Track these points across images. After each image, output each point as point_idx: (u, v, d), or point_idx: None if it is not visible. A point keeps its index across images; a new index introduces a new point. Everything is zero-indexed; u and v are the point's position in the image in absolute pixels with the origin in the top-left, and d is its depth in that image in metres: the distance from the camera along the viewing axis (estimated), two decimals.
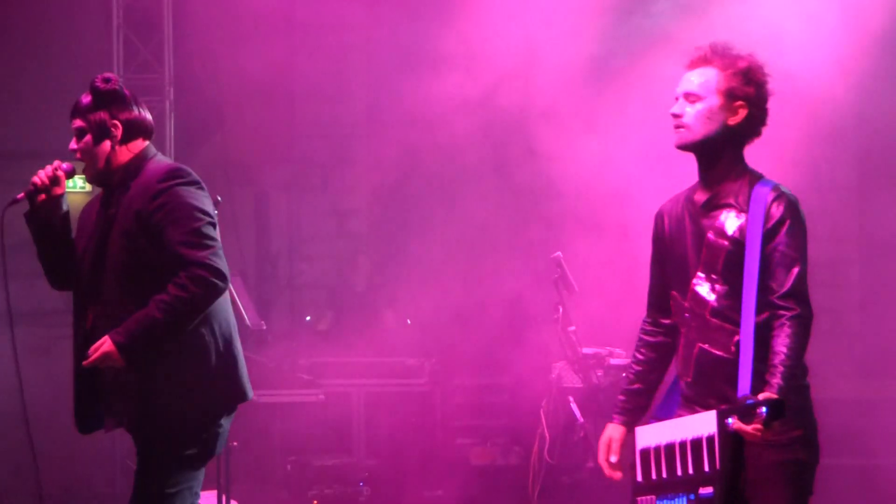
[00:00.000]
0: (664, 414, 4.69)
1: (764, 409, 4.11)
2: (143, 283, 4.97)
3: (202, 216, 4.98)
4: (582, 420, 8.43)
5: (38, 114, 10.56)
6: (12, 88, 10.98)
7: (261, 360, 9.57)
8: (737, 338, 4.41)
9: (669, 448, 4.44)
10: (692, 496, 4.31)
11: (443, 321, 10.95)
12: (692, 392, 4.59)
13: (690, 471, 4.33)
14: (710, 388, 4.51)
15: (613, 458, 4.82)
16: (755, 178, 4.57)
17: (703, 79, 4.56)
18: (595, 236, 10.18)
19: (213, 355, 5.08)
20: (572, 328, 8.41)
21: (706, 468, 4.26)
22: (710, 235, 4.53)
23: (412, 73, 10.74)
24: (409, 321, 11.37)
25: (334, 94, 12.12)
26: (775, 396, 4.18)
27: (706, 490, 4.26)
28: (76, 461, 10.01)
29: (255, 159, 12.02)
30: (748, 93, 4.53)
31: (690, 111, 4.56)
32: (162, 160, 5.21)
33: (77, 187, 5.33)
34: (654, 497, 4.49)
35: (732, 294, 4.45)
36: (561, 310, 8.36)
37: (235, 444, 7.56)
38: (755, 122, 4.59)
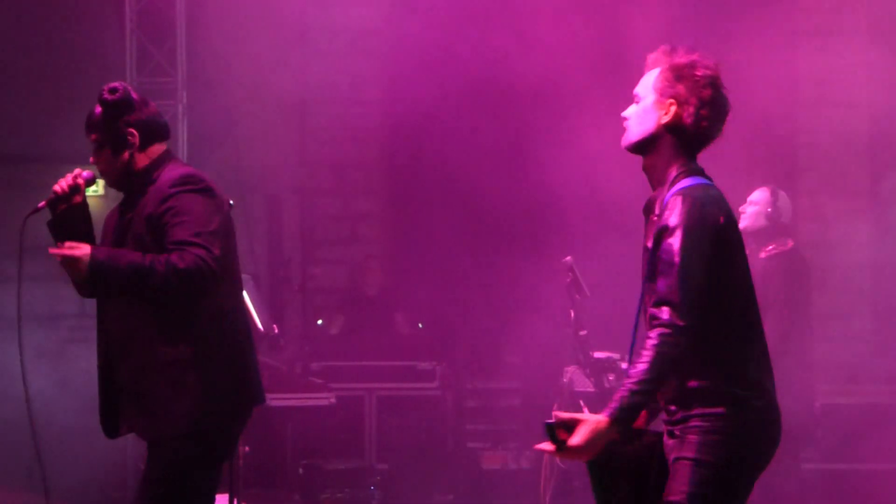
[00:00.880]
0: None
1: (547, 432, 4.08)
2: None
3: (208, 223, 4.98)
4: None
5: (53, 117, 10.58)
6: (27, 92, 11.01)
7: (273, 363, 9.58)
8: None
9: None
10: None
11: (454, 325, 10.97)
12: None
13: None
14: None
15: None
16: (679, 176, 4.34)
17: (646, 80, 4.42)
18: (609, 239, 10.19)
19: (225, 359, 5.10)
20: (584, 332, 8.41)
21: None
22: (645, 243, 4.40)
23: (426, 78, 10.75)
24: (420, 325, 11.38)
25: (347, 98, 12.13)
26: (556, 420, 4.09)
27: None
28: (87, 465, 10.02)
29: (267, 163, 12.02)
30: (677, 90, 4.31)
31: (632, 111, 4.44)
32: (178, 165, 5.22)
33: (90, 191, 5.30)
34: None
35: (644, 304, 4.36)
36: (573, 314, 8.36)
37: (247, 448, 7.58)
38: (691, 122, 4.32)
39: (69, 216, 5.16)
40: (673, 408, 4.30)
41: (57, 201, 5.15)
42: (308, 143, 12.20)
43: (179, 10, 10.43)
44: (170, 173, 5.11)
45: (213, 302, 5.07)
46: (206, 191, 5.06)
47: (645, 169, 4.44)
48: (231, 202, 5.25)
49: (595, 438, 4.06)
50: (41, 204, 5.14)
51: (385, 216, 12.39)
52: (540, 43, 10.67)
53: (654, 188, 4.43)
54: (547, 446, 4.13)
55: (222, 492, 6.94)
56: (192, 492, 5.10)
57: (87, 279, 4.88)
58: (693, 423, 4.21)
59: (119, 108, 5.15)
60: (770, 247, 8.29)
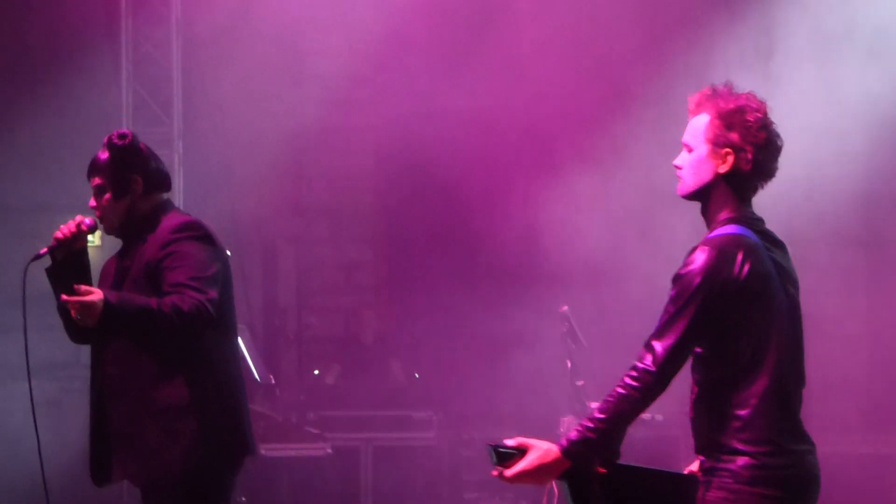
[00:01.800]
0: None
1: (493, 454, 4.13)
2: None
3: (206, 268, 5.01)
4: None
5: (49, 168, 10.60)
6: (23, 143, 11.02)
7: (269, 413, 9.55)
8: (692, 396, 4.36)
9: None
10: None
11: (451, 374, 10.93)
12: None
13: None
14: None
15: None
16: (716, 227, 4.34)
17: (695, 127, 4.39)
18: (604, 289, 10.18)
19: (220, 408, 5.10)
20: (580, 382, 8.38)
21: None
22: None
23: (420, 125, 10.78)
24: (417, 375, 11.35)
25: (343, 146, 12.15)
26: (518, 444, 4.13)
27: None
28: None
29: (263, 211, 12.03)
30: (731, 139, 4.30)
31: (685, 160, 4.41)
32: (178, 214, 5.26)
33: (88, 240, 5.31)
34: None
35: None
36: (569, 364, 8.34)
37: (244, 498, 7.54)
38: (748, 169, 4.32)
39: (70, 263, 5.17)
40: (702, 458, 4.32)
41: (59, 248, 5.15)
42: (303, 191, 12.22)
43: (175, 60, 10.47)
44: (170, 221, 5.15)
45: (208, 350, 5.09)
46: (206, 238, 5.11)
47: (702, 213, 4.45)
48: (228, 252, 5.26)
49: (543, 466, 4.10)
50: (43, 250, 5.14)
51: (380, 264, 12.39)
52: (536, 85, 10.71)
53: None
54: (495, 471, 4.16)
55: None
56: None
57: (98, 323, 4.84)
58: (713, 477, 4.21)
59: (126, 154, 5.20)
60: None
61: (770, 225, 4.42)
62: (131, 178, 5.19)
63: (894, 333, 10.59)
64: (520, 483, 4.13)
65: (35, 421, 5.15)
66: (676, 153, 4.46)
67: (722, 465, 4.19)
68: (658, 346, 4.15)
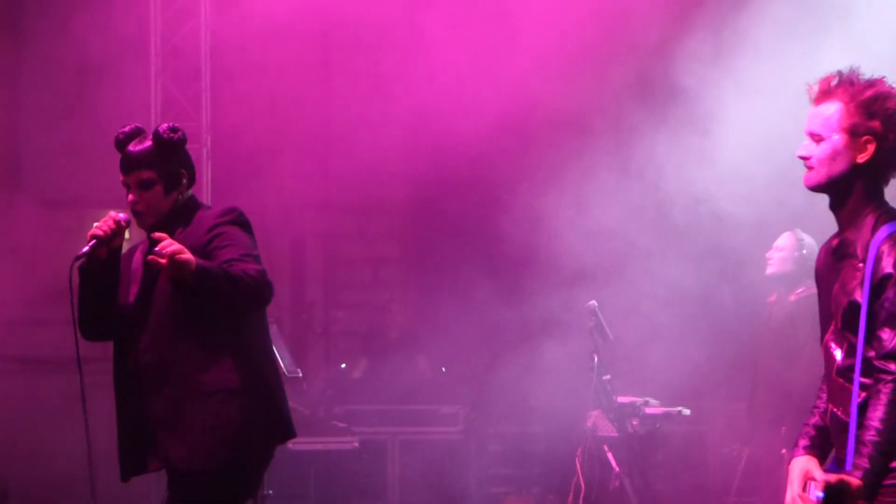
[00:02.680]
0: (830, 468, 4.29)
1: (819, 493, 3.93)
2: (188, 315, 5.00)
3: (254, 248, 5.06)
4: (618, 469, 8.40)
5: (79, 162, 10.65)
6: (54, 138, 11.08)
7: (296, 407, 9.55)
8: (853, 400, 4.09)
9: None
10: None
11: (478, 369, 10.94)
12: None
13: None
14: (841, 455, 4.15)
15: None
16: (881, 219, 4.14)
17: (825, 115, 4.17)
18: (630, 284, 10.16)
19: (262, 392, 5.09)
20: (607, 377, 8.38)
21: None
22: (836, 289, 4.20)
23: (448, 122, 10.78)
24: (444, 369, 11.36)
25: (371, 141, 12.16)
26: (835, 480, 3.93)
27: None
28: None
29: (291, 207, 12.06)
30: (873, 127, 4.10)
31: (816, 151, 4.18)
32: (208, 208, 5.28)
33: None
34: None
35: (852, 353, 4.11)
36: (596, 358, 8.34)
37: (270, 491, 7.56)
38: (889, 157, 4.14)
39: (107, 259, 5.11)
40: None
41: (99, 246, 5.08)
42: (331, 187, 12.24)
43: (204, 54, 10.49)
44: (210, 211, 5.19)
45: (249, 333, 5.11)
46: (248, 225, 5.15)
47: (832, 208, 4.25)
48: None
49: (854, 500, 3.94)
50: (86, 248, 5.05)
51: (408, 260, 12.41)
52: (565, 79, 10.69)
53: (841, 228, 4.24)
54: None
55: None
56: None
57: (190, 280, 4.73)
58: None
59: (179, 148, 5.22)
60: (800, 289, 8.27)
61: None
62: (181, 172, 5.21)
63: None
64: None
65: (85, 413, 5.05)
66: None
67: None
68: None
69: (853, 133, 4.13)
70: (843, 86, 4.18)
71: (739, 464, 8.71)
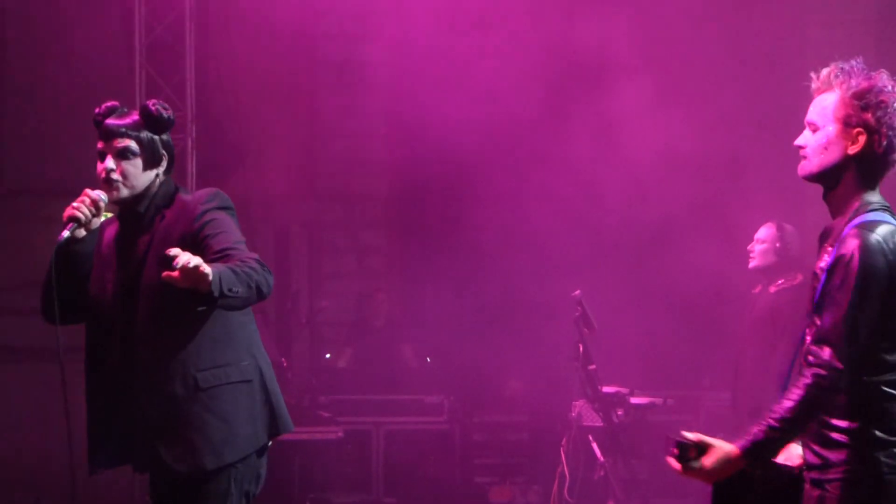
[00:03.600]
0: None
1: (675, 448, 4.05)
2: (180, 308, 4.73)
3: (242, 236, 4.89)
4: (602, 459, 8.41)
5: (62, 151, 10.61)
6: (36, 126, 11.04)
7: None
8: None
9: None
10: None
11: (463, 358, 10.94)
12: None
13: None
14: (803, 437, 4.22)
15: None
16: (861, 209, 4.16)
17: (822, 105, 4.22)
18: (619, 273, 10.18)
19: (259, 386, 4.96)
20: (592, 367, 8.38)
21: None
22: (814, 273, 4.23)
23: (433, 111, 10.77)
24: (428, 359, 11.36)
25: (355, 130, 12.16)
26: (692, 439, 4.05)
27: None
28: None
29: (276, 196, 12.05)
30: (865, 119, 4.13)
31: (811, 140, 4.22)
32: (187, 193, 5.06)
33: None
34: None
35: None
36: (581, 348, 8.34)
37: None
38: (880, 151, 4.15)
39: (85, 240, 4.90)
40: (815, 458, 4.17)
41: (78, 227, 4.84)
42: (316, 175, 12.22)
43: (189, 43, 10.47)
44: (193, 196, 4.98)
45: (240, 327, 4.96)
46: (233, 209, 4.97)
47: (825, 198, 4.27)
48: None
49: (723, 466, 4.04)
50: (66, 232, 4.81)
51: (393, 249, 12.40)
52: (550, 65, 10.69)
53: (833, 217, 4.27)
54: (674, 462, 4.09)
55: None
56: None
57: (209, 291, 4.45)
58: (834, 474, 4.09)
59: (163, 128, 4.98)
60: (780, 281, 8.30)
61: None
62: (162, 153, 4.98)
63: None
64: (696, 479, 4.07)
65: (66, 402, 4.82)
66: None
67: (848, 460, 4.10)
68: (842, 340, 4.01)
69: (846, 123, 4.17)
70: (842, 77, 4.21)
71: None
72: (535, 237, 10.76)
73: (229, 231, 4.83)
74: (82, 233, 4.86)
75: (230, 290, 4.51)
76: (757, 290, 8.49)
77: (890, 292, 4.05)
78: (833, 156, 4.19)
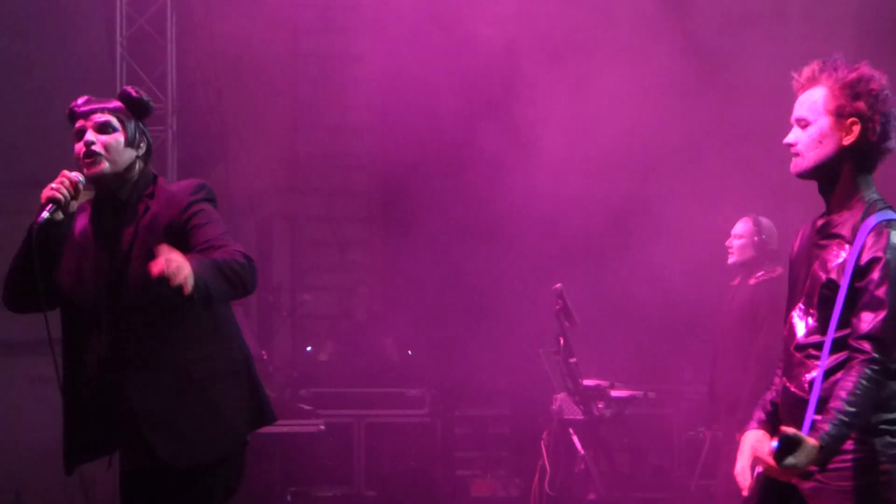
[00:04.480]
0: None
1: (775, 442, 3.93)
2: (172, 310, 4.67)
3: (226, 227, 4.82)
4: (583, 452, 8.42)
5: (41, 141, 10.58)
6: (14, 116, 11.01)
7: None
8: (810, 376, 4.16)
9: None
10: None
11: (444, 351, 10.96)
12: None
13: None
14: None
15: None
16: (873, 206, 4.17)
17: (811, 100, 4.22)
18: (598, 267, 10.20)
19: (245, 377, 4.91)
20: (573, 360, 8.39)
21: None
22: (816, 266, 4.21)
23: (415, 104, 10.77)
24: (410, 352, 11.36)
25: (338, 124, 12.16)
26: (792, 432, 3.93)
27: None
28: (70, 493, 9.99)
29: (257, 189, 12.04)
30: (858, 108, 4.14)
31: (802, 136, 4.22)
32: (168, 182, 4.97)
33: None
34: None
35: (820, 330, 4.17)
36: (562, 341, 8.35)
37: None
38: (875, 140, 4.17)
39: (63, 226, 4.74)
40: None
41: (58, 209, 4.66)
42: (298, 169, 12.22)
43: (170, 36, 10.45)
44: (177, 185, 4.90)
45: (223, 319, 4.89)
46: (216, 201, 4.89)
47: (821, 192, 4.28)
48: None
49: (806, 459, 3.96)
50: (45, 213, 4.63)
51: (375, 242, 12.40)
52: (536, 58, 10.69)
53: (829, 211, 4.27)
54: (767, 457, 4.01)
55: None
56: None
57: (193, 297, 4.38)
58: (833, 464, 4.08)
59: (144, 110, 4.90)
60: (759, 273, 8.31)
61: None
62: (141, 136, 4.88)
63: None
64: (782, 477, 4.03)
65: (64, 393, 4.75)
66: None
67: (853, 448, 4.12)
68: (887, 335, 4.04)
69: (839, 115, 4.17)
70: (828, 71, 4.22)
71: (704, 446, 8.76)
72: (518, 231, 10.77)
73: (217, 222, 4.76)
74: (60, 216, 4.69)
75: (213, 291, 4.46)
76: (736, 282, 8.51)
77: None
78: (828, 149, 4.20)
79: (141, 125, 4.92)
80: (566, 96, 10.22)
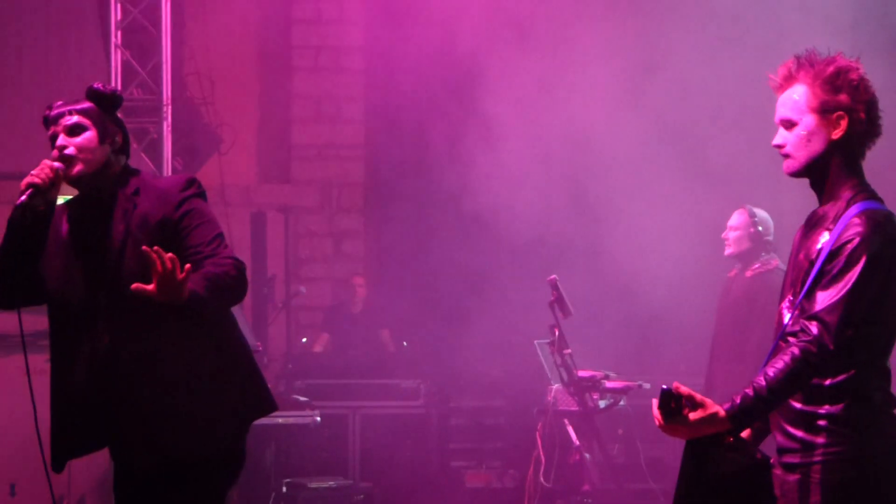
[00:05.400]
0: None
1: (663, 396, 3.98)
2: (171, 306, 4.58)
3: (220, 226, 4.81)
4: (578, 443, 8.43)
5: (35, 133, 10.56)
6: (8, 109, 11.00)
7: None
8: None
9: None
10: None
11: (439, 343, 10.95)
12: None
13: None
14: (776, 420, 4.21)
15: None
16: (858, 196, 4.16)
17: (793, 99, 4.21)
18: (593, 258, 10.19)
19: (246, 370, 4.90)
20: (568, 351, 8.40)
21: None
22: (801, 256, 4.21)
23: (411, 95, 10.77)
24: (405, 343, 11.36)
25: (332, 116, 12.15)
26: (670, 387, 3.98)
27: None
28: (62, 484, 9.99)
29: (252, 180, 12.04)
30: (841, 101, 4.14)
31: (790, 137, 4.21)
32: (149, 175, 4.95)
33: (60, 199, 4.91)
34: None
35: (796, 317, 4.14)
36: (557, 332, 8.36)
37: None
38: (862, 129, 4.17)
39: (44, 215, 4.68)
40: (791, 441, 4.16)
41: (37, 195, 4.61)
42: (293, 160, 12.22)
43: (164, 28, 10.41)
44: (165, 181, 4.88)
45: (222, 313, 4.87)
46: (206, 195, 4.87)
47: (813, 187, 4.27)
48: None
49: (704, 424, 3.98)
50: (24, 198, 4.58)
51: (370, 233, 12.40)
52: (529, 48, 10.69)
53: (821, 203, 4.26)
54: (657, 412, 4.03)
55: None
56: None
57: (186, 305, 4.45)
58: (818, 457, 4.09)
59: (113, 104, 4.83)
60: (756, 265, 8.32)
61: None
62: (114, 129, 4.81)
63: None
64: (673, 433, 4.03)
65: (31, 390, 4.71)
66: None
67: (832, 440, 4.10)
68: (836, 320, 4.00)
69: (824, 111, 4.16)
70: (804, 68, 4.21)
71: None
72: (514, 220, 10.76)
73: (209, 222, 4.74)
74: (40, 202, 4.65)
75: (205, 305, 4.51)
76: (732, 273, 8.52)
77: (889, 279, 4.05)
78: (817, 146, 4.18)
79: (115, 118, 4.85)
80: (561, 81, 10.22)
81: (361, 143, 12.23)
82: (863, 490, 4.07)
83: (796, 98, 4.21)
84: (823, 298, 4.02)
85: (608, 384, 8.62)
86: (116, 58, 10.38)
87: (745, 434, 4.17)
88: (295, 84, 12.12)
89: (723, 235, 8.43)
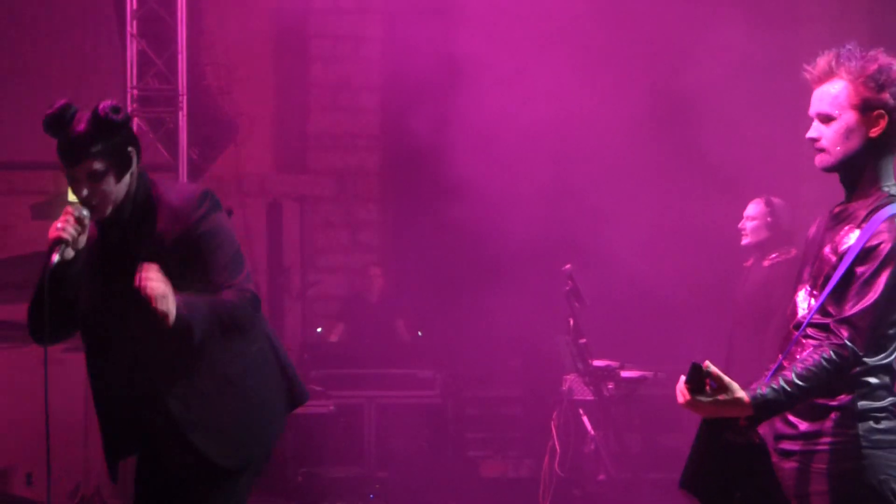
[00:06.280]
0: None
1: (692, 372, 3.99)
2: None
3: (235, 242, 4.79)
4: (593, 433, 8.43)
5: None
6: (25, 100, 11.01)
7: None
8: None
9: None
10: None
11: (455, 333, 10.96)
12: None
13: None
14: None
15: None
16: (893, 197, 4.19)
17: (832, 94, 4.20)
18: (607, 249, 10.19)
19: (279, 365, 4.95)
20: (583, 340, 8.40)
21: None
22: (826, 249, 4.22)
23: (428, 85, 10.75)
24: (420, 333, 11.36)
25: (349, 105, 12.15)
26: (703, 365, 3.99)
27: None
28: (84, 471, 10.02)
29: (268, 170, 12.04)
30: (884, 99, 4.14)
31: (827, 132, 4.21)
32: (160, 182, 4.90)
33: None
34: None
35: (819, 311, 4.19)
36: (572, 322, 8.35)
37: None
38: None
39: (75, 260, 4.64)
40: (790, 428, 4.21)
41: (66, 248, 4.57)
42: (309, 149, 12.22)
43: (180, 18, 10.43)
44: (178, 194, 4.80)
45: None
46: (220, 204, 4.82)
47: (843, 182, 4.28)
48: (231, 210, 5.11)
49: (727, 406, 3.99)
50: (55, 256, 4.54)
51: (386, 223, 12.40)
52: (543, 44, 10.67)
53: (849, 199, 4.28)
54: (682, 387, 4.04)
55: None
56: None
57: (172, 326, 4.45)
58: (819, 446, 4.14)
59: (125, 129, 4.72)
60: (773, 255, 8.31)
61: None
62: (129, 151, 4.71)
63: None
64: (696, 410, 4.04)
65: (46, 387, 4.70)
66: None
67: (835, 430, 4.16)
68: (866, 326, 4.05)
69: (864, 108, 4.17)
70: (845, 63, 4.21)
71: None
72: (532, 210, 10.76)
73: (223, 244, 4.73)
74: (71, 253, 4.61)
75: (198, 332, 4.54)
76: (749, 263, 8.51)
77: None
78: (854, 142, 4.19)
79: (123, 139, 4.72)
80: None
81: (378, 132, 12.22)
82: (864, 482, 4.09)
83: (836, 93, 4.21)
84: (854, 303, 4.05)
85: (624, 374, 8.62)
86: (132, 48, 10.40)
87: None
88: (312, 73, 12.11)
89: (739, 225, 8.42)
